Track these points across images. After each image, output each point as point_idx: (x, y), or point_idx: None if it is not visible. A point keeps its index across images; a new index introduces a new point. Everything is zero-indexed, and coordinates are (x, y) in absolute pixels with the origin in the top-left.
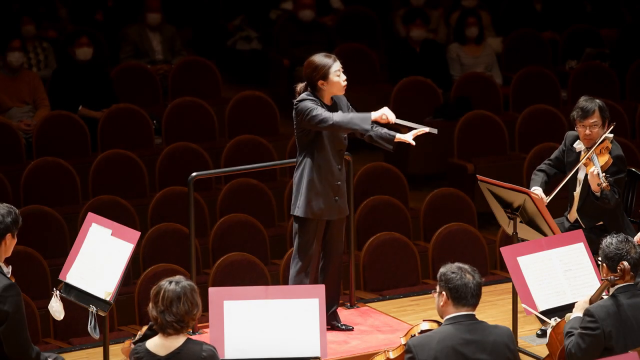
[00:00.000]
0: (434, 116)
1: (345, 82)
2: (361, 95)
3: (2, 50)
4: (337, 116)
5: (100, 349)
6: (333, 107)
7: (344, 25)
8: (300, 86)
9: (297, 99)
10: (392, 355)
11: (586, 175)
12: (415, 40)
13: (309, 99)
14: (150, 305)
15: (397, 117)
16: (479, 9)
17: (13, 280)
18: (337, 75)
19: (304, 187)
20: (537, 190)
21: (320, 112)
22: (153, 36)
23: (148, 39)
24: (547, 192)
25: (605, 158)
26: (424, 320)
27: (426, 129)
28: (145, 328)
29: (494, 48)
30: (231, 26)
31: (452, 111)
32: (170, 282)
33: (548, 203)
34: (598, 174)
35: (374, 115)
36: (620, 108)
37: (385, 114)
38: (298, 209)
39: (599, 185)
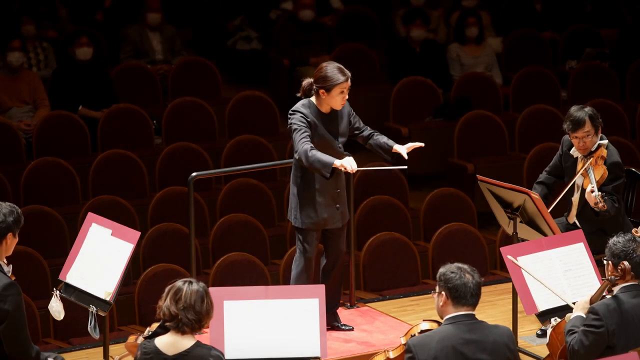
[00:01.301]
0: (434, 116)
1: (344, 102)
2: (361, 95)
3: (2, 50)
4: (304, 153)
5: (100, 349)
6: (331, 114)
7: (344, 25)
8: (306, 82)
9: (293, 108)
10: (392, 355)
11: (585, 192)
12: (415, 40)
13: (299, 114)
14: (168, 302)
15: (395, 146)
16: (479, 9)
17: (13, 279)
18: (340, 93)
19: (303, 198)
20: None
21: (298, 138)
22: (153, 36)
23: (148, 39)
24: (547, 205)
25: (601, 171)
26: (424, 320)
27: (393, 167)
28: (155, 325)
29: (494, 48)
30: (231, 26)
31: (452, 111)
32: (190, 283)
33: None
34: (595, 194)
35: (336, 162)
36: (620, 108)
37: (344, 165)
38: (297, 220)
39: (596, 204)
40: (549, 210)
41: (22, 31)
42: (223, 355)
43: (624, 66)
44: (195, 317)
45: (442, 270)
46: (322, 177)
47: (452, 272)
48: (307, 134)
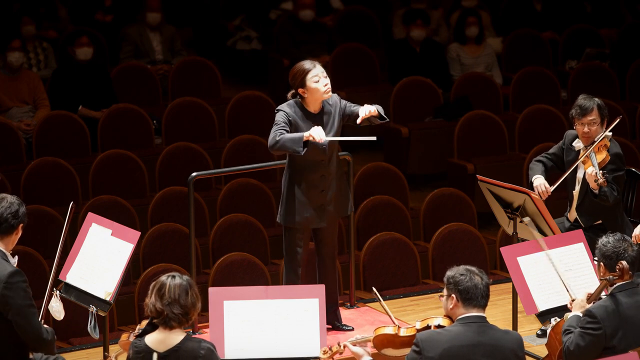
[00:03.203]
0: (434, 116)
1: (327, 87)
2: (361, 95)
3: (2, 50)
4: (273, 140)
5: (100, 349)
6: (320, 114)
7: (344, 25)
8: (290, 93)
9: (277, 107)
10: (402, 332)
11: (585, 173)
12: (415, 40)
13: (282, 112)
14: (153, 299)
15: (381, 118)
16: (479, 9)
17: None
18: (316, 82)
19: (285, 196)
20: (539, 179)
21: (273, 131)
22: (153, 36)
23: (148, 39)
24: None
25: (602, 155)
26: (444, 316)
27: (363, 138)
28: (145, 322)
29: (494, 48)
30: (231, 26)
31: (452, 111)
32: (174, 277)
33: (548, 203)
34: (595, 174)
35: (305, 135)
36: (620, 108)
37: (312, 134)
38: (280, 217)
39: (596, 181)
40: (554, 188)
41: (22, 31)
42: (214, 347)
43: (624, 66)
44: (181, 311)
45: (449, 273)
46: (297, 153)
47: (462, 275)
48: (283, 128)
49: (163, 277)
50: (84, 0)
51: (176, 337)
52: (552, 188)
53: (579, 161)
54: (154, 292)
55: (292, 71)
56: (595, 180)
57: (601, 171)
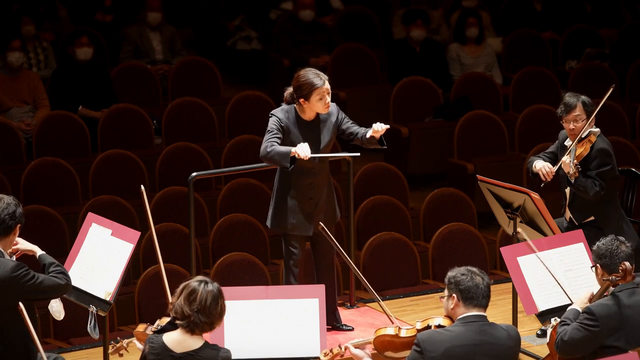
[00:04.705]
0: (434, 116)
1: (328, 104)
2: (361, 95)
3: (2, 50)
4: (264, 151)
5: (100, 349)
6: (313, 122)
7: (344, 25)
8: (287, 93)
9: (272, 110)
10: (403, 333)
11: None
12: (415, 40)
13: (275, 118)
14: (181, 301)
15: (383, 124)
16: (479, 9)
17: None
18: (319, 99)
19: (275, 200)
20: (540, 162)
21: (265, 139)
22: (153, 36)
23: (148, 39)
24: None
25: (581, 149)
26: (444, 316)
27: (344, 155)
28: (165, 320)
29: (494, 48)
30: (231, 26)
31: (452, 111)
32: (206, 283)
33: (547, 203)
34: (569, 163)
35: (292, 150)
36: (620, 108)
37: (297, 151)
38: (268, 220)
39: (568, 172)
40: (557, 168)
41: (22, 31)
42: (231, 355)
43: (624, 66)
44: (207, 320)
45: (450, 273)
46: (285, 168)
47: (463, 275)
48: (276, 136)
49: (194, 283)
50: (84, 0)
51: (195, 342)
52: (555, 168)
53: (565, 156)
54: (184, 296)
55: (299, 79)
56: (568, 172)
57: (574, 161)
